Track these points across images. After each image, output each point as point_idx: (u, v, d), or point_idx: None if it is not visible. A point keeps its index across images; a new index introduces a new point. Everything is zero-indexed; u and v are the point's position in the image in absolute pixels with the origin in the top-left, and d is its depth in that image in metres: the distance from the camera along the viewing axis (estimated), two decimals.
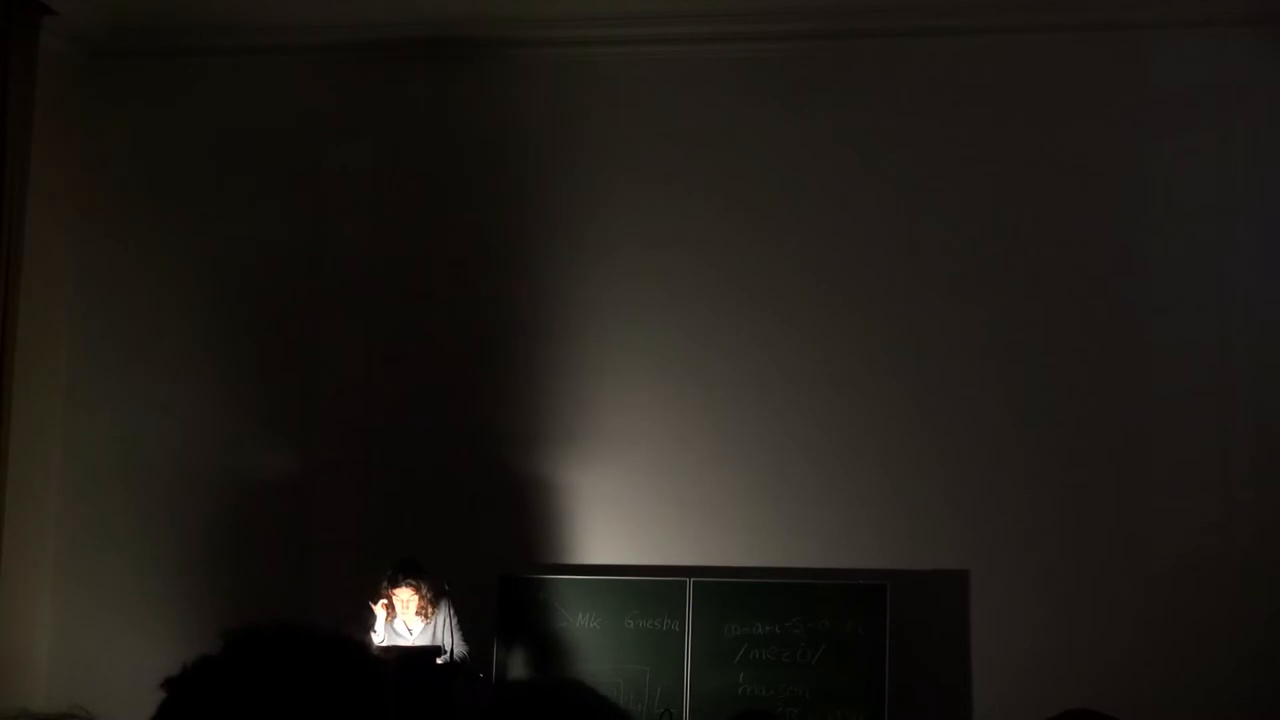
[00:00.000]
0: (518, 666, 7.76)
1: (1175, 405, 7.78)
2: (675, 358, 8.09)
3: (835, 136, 8.14)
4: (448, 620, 7.25)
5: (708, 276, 8.12)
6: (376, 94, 8.51)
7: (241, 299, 8.45)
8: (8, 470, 7.61)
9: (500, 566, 7.88)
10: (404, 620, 7.29)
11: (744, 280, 8.10)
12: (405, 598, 7.24)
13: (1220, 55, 7.89)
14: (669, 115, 8.23)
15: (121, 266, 8.52)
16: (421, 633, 7.28)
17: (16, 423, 7.72)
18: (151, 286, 8.47)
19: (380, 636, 7.21)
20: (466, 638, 7.32)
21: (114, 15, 8.43)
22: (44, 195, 8.05)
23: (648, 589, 7.81)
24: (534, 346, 8.20)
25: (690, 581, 7.77)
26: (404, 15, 8.29)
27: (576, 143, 8.29)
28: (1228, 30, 7.86)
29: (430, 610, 7.28)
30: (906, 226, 8.04)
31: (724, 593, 7.75)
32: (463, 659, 7.24)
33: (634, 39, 8.21)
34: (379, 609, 7.24)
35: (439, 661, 7.12)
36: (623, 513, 8.04)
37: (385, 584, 7.25)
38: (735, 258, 8.11)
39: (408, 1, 8.25)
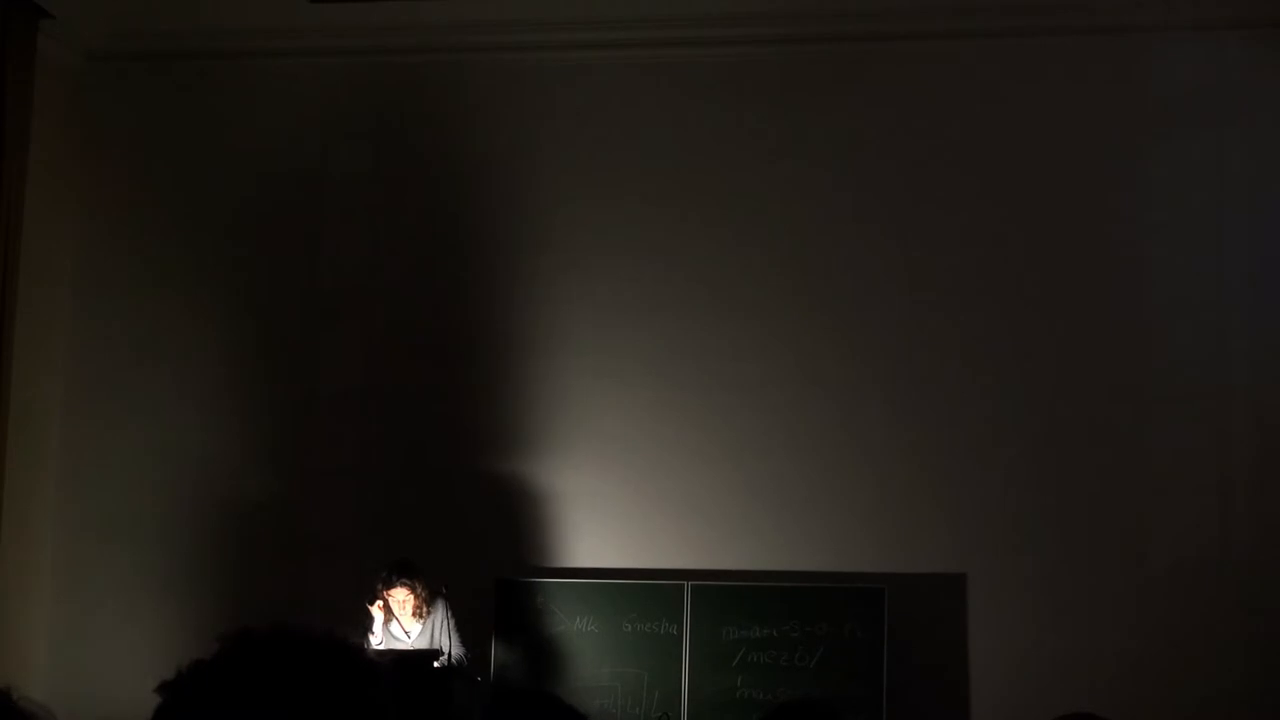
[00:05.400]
0: (515, 670, 7.76)
1: (1173, 406, 7.78)
2: (675, 363, 8.09)
3: (828, 141, 8.15)
4: (446, 623, 7.24)
5: (708, 282, 8.12)
6: (372, 101, 8.52)
7: (239, 304, 8.44)
8: (6, 473, 7.60)
9: (498, 570, 7.88)
10: (400, 623, 7.29)
11: (744, 285, 8.10)
12: (401, 598, 7.24)
13: (1219, 58, 7.90)
14: (660, 123, 8.24)
15: (120, 269, 8.52)
16: (419, 636, 7.28)
17: (14, 426, 7.72)
18: (150, 290, 8.47)
19: (378, 639, 7.21)
20: (465, 641, 7.32)
21: (112, 19, 8.44)
22: (42, 198, 8.05)
23: (645, 593, 7.80)
24: (532, 351, 8.20)
25: (688, 585, 7.77)
26: (399, 23, 8.30)
27: (565, 151, 8.29)
28: (1226, 33, 7.87)
29: (426, 610, 7.28)
30: (902, 232, 8.04)
31: (722, 596, 7.75)
32: (460, 662, 7.23)
33: (619, 43, 8.23)
34: (376, 611, 7.24)
35: (436, 665, 7.12)
36: (621, 517, 8.04)
37: (380, 585, 7.25)
38: (734, 263, 8.12)
39: (403, 10, 8.26)
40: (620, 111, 8.29)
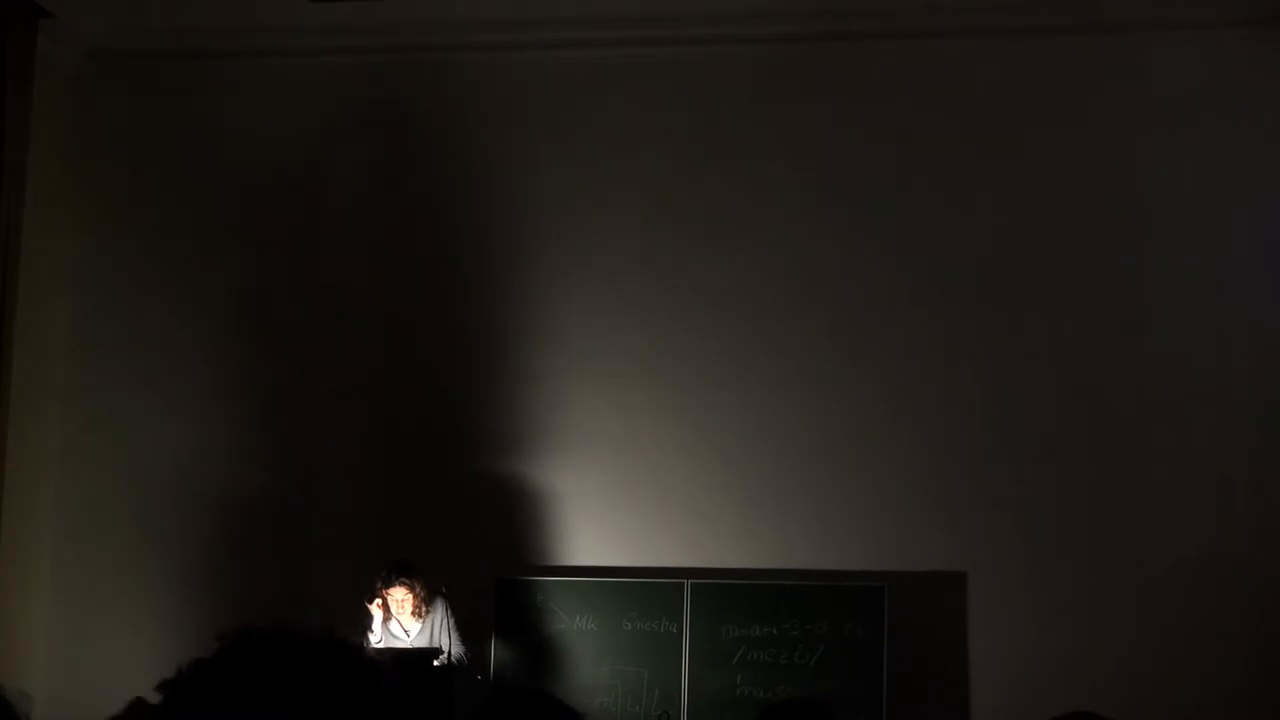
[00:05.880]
0: (515, 669, 7.76)
1: (1174, 406, 7.79)
2: (675, 363, 8.09)
3: (828, 140, 8.14)
4: (445, 622, 7.25)
5: (708, 282, 8.12)
6: (372, 100, 8.51)
7: (238, 304, 8.45)
8: (6, 473, 7.61)
9: (498, 569, 7.88)
10: (400, 621, 7.29)
11: (744, 286, 8.10)
12: (400, 597, 7.23)
13: (1219, 56, 7.90)
14: (662, 123, 8.24)
15: (119, 268, 8.52)
16: (419, 634, 7.28)
17: (14, 425, 7.72)
18: (149, 289, 8.47)
19: (377, 637, 7.21)
20: (465, 639, 7.32)
21: (112, 18, 8.44)
22: (42, 197, 8.05)
23: (645, 591, 7.80)
24: (532, 351, 8.20)
25: (688, 583, 7.77)
26: (399, 22, 8.30)
27: (566, 151, 8.28)
28: (1226, 32, 7.87)
29: (425, 608, 7.28)
30: (902, 232, 8.04)
31: (722, 595, 7.75)
32: (460, 661, 7.24)
33: (622, 42, 8.22)
34: (375, 609, 7.24)
35: (436, 663, 7.12)
36: (621, 515, 8.04)
37: (379, 584, 7.25)
38: (733, 264, 8.11)
39: (403, 9, 8.27)
40: (622, 111, 8.28)
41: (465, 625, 7.33)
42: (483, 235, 8.33)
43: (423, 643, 7.23)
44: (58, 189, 8.33)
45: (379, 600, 7.25)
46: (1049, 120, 8.02)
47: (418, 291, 8.38)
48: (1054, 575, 7.71)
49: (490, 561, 7.89)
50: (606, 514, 8.05)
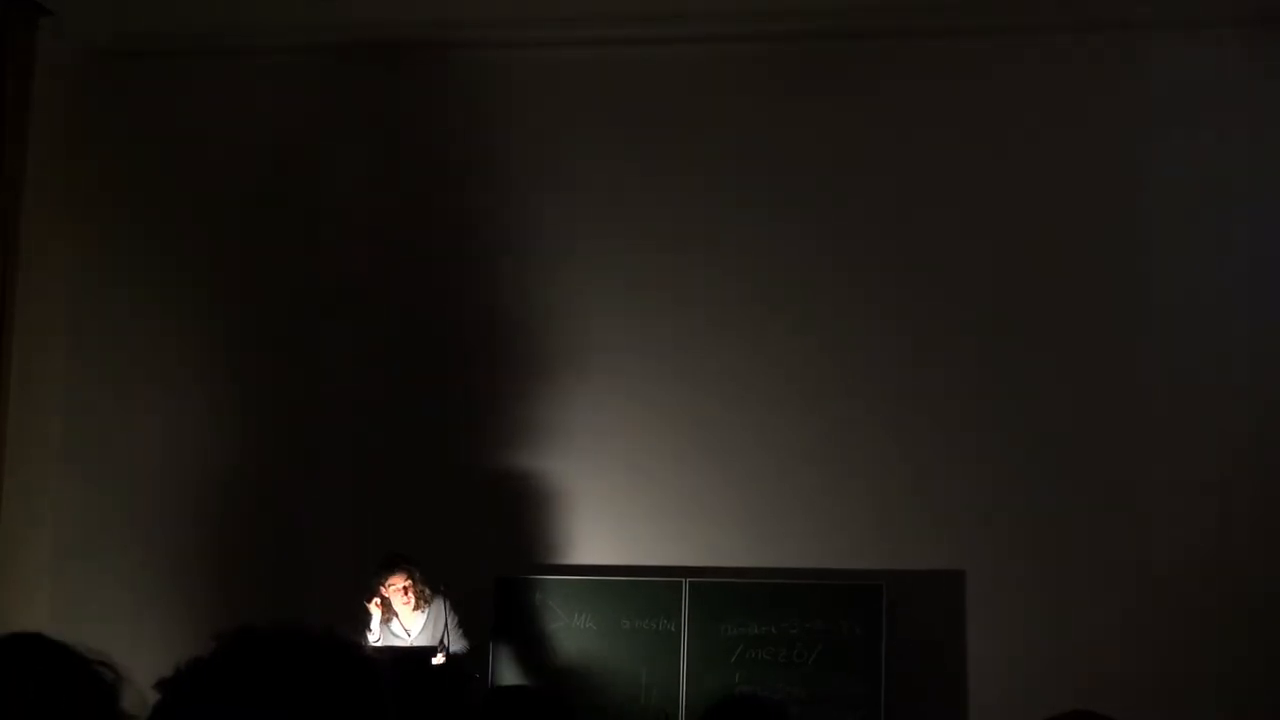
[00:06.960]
0: (514, 667, 7.76)
1: (1173, 405, 7.78)
2: (672, 360, 8.09)
3: (823, 142, 8.14)
4: (447, 620, 7.24)
5: (704, 278, 8.12)
6: (371, 97, 8.51)
7: (238, 301, 8.44)
8: (5, 473, 7.60)
9: (497, 568, 7.88)
10: (400, 620, 7.29)
11: (738, 283, 8.10)
12: (400, 585, 7.21)
13: (1219, 55, 7.90)
14: (662, 122, 8.24)
15: (118, 267, 8.51)
16: (420, 633, 7.27)
17: (14, 425, 7.71)
18: (148, 288, 8.47)
19: (376, 636, 7.20)
20: (466, 637, 7.32)
21: (111, 16, 8.44)
22: (41, 198, 8.04)
23: (644, 590, 7.81)
24: (529, 349, 8.20)
25: (686, 582, 7.77)
26: (395, 18, 8.30)
27: (567, 151, 8.28)
28: (1227, 31, 7.87)
29: (427, 593, 7.27)
30: (899, 229, 8.04)
31: (720, 593, 7.75)
32: (460, 659, 7.23)
33: (619, 40, 8.22)
34: (373, 608, 7.24)
35: (435, 662, 7.12)
36: (619, 514, 8.04)
37: (376, 581, 7.25)
38: (731, 260, 8.11)
39: (405, 6, 8.27)
40: (622, 112, 8.28)
41: (464, 624, 7.33)
42: (482, 237, 8.33)
43: (424, 641, 7.23)
44: (57, 188, 8.33)
45: (377, 599, 7.25)
46: (1049, 120, 8.02)
47: (417, 292, 8.38)
48: (1053, 575, 7.70)
49: (490, 560, 7.89)
50: (605, 513, 8.05)
